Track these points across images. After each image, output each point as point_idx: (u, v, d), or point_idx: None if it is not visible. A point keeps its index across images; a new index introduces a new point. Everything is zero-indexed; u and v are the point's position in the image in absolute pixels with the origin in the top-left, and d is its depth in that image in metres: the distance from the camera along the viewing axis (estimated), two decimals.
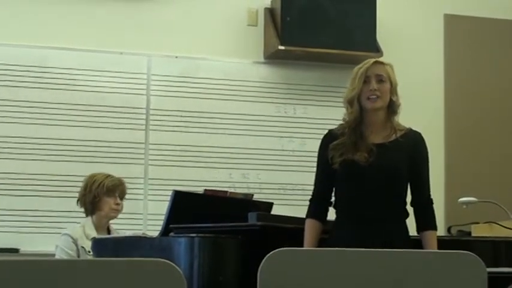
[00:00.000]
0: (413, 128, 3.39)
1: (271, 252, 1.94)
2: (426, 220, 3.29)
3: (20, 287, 1.74)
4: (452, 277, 2.04)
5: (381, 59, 3.45)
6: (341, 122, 3.37)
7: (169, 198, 3.49)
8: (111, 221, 4.32)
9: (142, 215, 5.20)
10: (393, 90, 3.31)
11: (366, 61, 3.35)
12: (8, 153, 5.07)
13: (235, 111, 5.48)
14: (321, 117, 5.50)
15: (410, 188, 3.33)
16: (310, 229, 3.27)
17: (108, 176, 4.32)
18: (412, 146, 3.31)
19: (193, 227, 3.22)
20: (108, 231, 4.27)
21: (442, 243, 3.27)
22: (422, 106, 5.59)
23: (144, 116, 5.34)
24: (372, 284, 1.99)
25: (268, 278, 1.91)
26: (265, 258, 1.92)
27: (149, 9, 5.45)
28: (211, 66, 5.48)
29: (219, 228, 3.23)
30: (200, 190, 3.76)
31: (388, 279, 2.01)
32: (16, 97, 5.12)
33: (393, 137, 3.30)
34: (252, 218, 3.28)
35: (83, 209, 4.28)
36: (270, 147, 5.50)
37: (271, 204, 3.85)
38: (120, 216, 4.35)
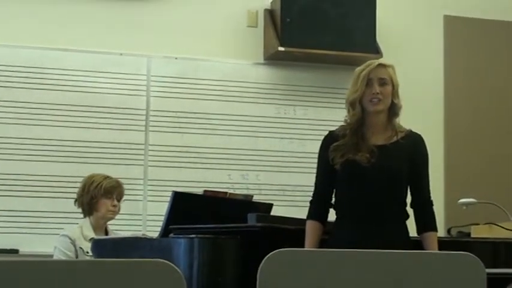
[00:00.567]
0: (413, 129, 3.39)
1: (270, 253, 1.93)
2: (426, 221, 3.29)
3: None
4: (451, 278, 2.04)
5: (384, 62, 3.45)
6: (342, 123, 3.37)
7: (168, 199, 3.49)
8: (109, 222, 4.32)
9: (142, 216, 5.20)
10: (395, 92, 3.31)
11: (368, 63, 3.35)
12: (7, 154, 5.07)
13: (235, 112, 5.48)
14: (320, 118, 5.51)
15: (411, 190, 3.34)
16: (311, 230, 3.26)
17: (107, 177, 4.32)
18: (413, 147, 3.32)
19: (192, 228, 3.22)
20: (106, 232, 4.27)
21: (442, 244, 3.27)
22: (422, 107, 5.59)
23: (143, 117, 5.34)
24: (371, 284, 1.99)
25: (267, 278, 1.91)
26: (264, 259, 1.92)
27: (149, 10, 5.45)
28: (211, 67, 5.49)
29: (219, 229, 3.23)
30: (200, 191, 3.76)
31: (387, 280, 2.01)
32: (15, 98, 5.12)
33: (394, 139, 3.31)
34: (252, 219, 3.28)
35: (80, 210, 4.27)
36: (270, 148, 5.51)
37: (271, 205, 3.85)
38: (119, 217, 4.34)
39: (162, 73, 5.41)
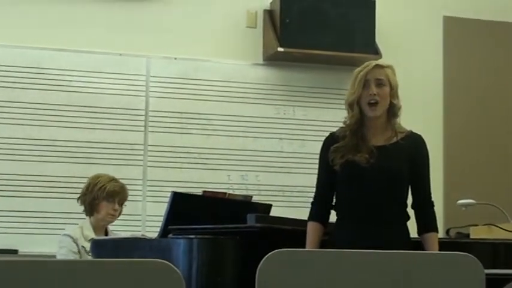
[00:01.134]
0: (413, 130, 3.39)
1: (269, 254, 1.94)
2: (427, 222, 3.29)
3: None
4: (450, 278, 2.05)
5: (380, 61, 3.45)
6: (341, 125, 3.37)
7: (168, 199, 3.49)
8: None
9: (141, 216, 5.20)
10: (394, 93, 3.31)
11: (366, 64, 3.34)
12: (6, 154, 5.07)
13: (235, 112, 5.48)
14: (320, 119, 5.51)
15: (411, 190, 3.33)
16: (312, 231, 3.27)
17: (112, 180, 4.29)
18: (413, 148, 3.32)
19: (192, 229, 3.23)
20: (106, 234, 4.26)
21: (441, 245, 3.27)
22: (421, 108, 5.59)
23: (142, 118, 5.34)
24: (370, 285, 2.00)
25: (266, 279, 1.91)
26: (263, 260, 1.92)
27: (148, 11, 5.45)
28: (211, 68, 5.49)
29: (218, 229, 3.23)
30: (199, 191, 3.76)
31: (386, 280, 2.01)
32: (14, 98, 5.12)
33: (394, 140, 3.31)
34: (251, 220, 3.28)
35: (82, 208, 4.27)
36: (269, 148, 5.51)
37: (270, 205, 3.86)
38: (119, 217, 4.34)
39: (162, 73, 5.41)
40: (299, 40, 5.40)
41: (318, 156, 3.41)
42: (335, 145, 3.30)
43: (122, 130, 5.27)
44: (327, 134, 3.43)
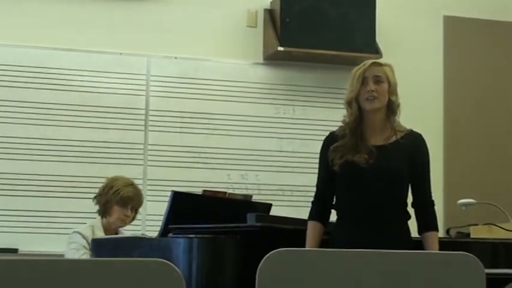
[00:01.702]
0: (412, 129, 3.39)
1: (270, 253, 1.94)
2: (427, 221, 3.29)
3: (19, 287, 1.74)
4: (450, 278, 2.04)
5: (380, 60, 3.45)
6: (341, 124, 3.37)
7: (168, 198, 3.49)
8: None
9: (141, 216, 5.18)
10: (392, 90, 3.30)
11: (364, 62, 3.35)
12: (7, 153, 5.07)
13: (235, 112, 5.48)
14: (320, 118, 5.51)
15: (411, 190, 3.33)
16: (312, 231, 3.26)
17: (129, 184, 4.26)
18: (413, 147, 3.31)
19: (192, 228, 3.23)
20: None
21: (441, 244, 3.26)
22: (421, 108, 5.59)
23: (143, 117, 5.34)
24: (370, 285, 1.99)
25: (266, 278, 1.91)
26: (264, 259, 1.92)
27: (149, 10, 5.45)
28: (211, 67, 5.49)
29: (218, 229, 3.23)
30: (199, 191, 3.76)
31: (386, 280, 2.01)
32: (15, 97, 5.13)
33: (393, 139, 3.30)
34: (251, 219, 3.28)
35: (97, 207, 4.26)
36: (269, 148, 5.51)
37: (270, 205, 3.86)
38: (131, 222, 4.33)
39: (162, 73, 5.41)
40: (299, 39, 5.40)
41: (318, 156, 3.41)
42: (334, 145, 3.30)
43: (122, 129, 5.27)
44: (327, 133, 3.43)
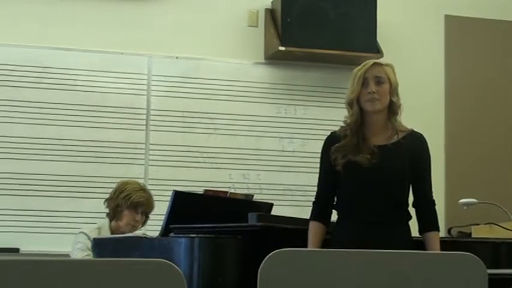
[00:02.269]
0: (414, 129, 3.39)
1: (271, 253, 1.94)
2: (428, 221, 3.28)
3: (20, 287, 1.74)
4: (452, 278, 2.04)
5: (381, 60, 3.44)
6: (342, 124, 3.37)
7: (169, 198, 3.49)
8: None
9: None
10: (393, 90, 3.30)
11: (365, 62, 3.34)
12: (9, 153, 5.07)
13: (236, 111, 5.48)
14: (321, 117, 5.51)
15: (412, 189, 3.32)
16: (314, 231, 3.26)
17: (140, 189, 4.26)
18: (414, 147, 3.31)
19: (193, 228, 3.22)
20: None
21: (443, 244, 3.26)
22: (422, 107, 5.59)
23: (144, 117, 5.34)
24: (372, 284, 1.99)
25: (268, 278, 1.91)
26: (265, 259, 1.92)
27: (150, 10, 5.45)
28: (212, 67, 5.49)
29: (219, 228, 3.22)
30: (200, 190, 3.76)
31: (388, 280, 2.00)
32: (16, 97, 5.13)
33: (395, 139, 3.30)
34: (252, 219, 3.28)
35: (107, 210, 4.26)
36: (270, 147, 5.51)
37: (272, 204, 3.85)
38: (142, 227, 4.33)
39: (163, 72, 5.41)
40: (300, 39, 5.40)
41: (319, 155, 3.41)
42: (336, 145, 3.30)
43: (124, 129, 5.27)
44: (329, 133, 3.42)
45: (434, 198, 3.33)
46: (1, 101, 5.11)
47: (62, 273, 1.78)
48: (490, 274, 2.07)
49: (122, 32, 5.38)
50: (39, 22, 5.25)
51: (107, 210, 4.25)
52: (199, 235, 3.11)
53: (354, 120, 3.29)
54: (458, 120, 5.88)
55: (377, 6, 5.53)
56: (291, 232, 3.29)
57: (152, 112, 5.35)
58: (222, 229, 3.21)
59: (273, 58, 5.56)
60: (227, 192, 3.87)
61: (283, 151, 5.53)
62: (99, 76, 5.28)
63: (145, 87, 5.36)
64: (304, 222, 3.32)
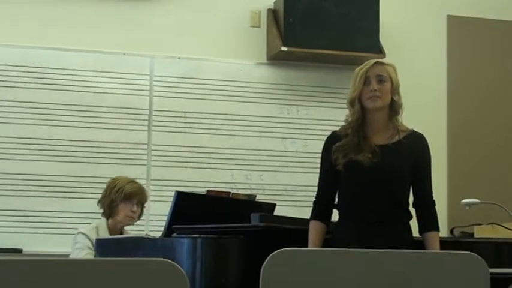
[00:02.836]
0: (416, 129, 3.39)
1: (273, 253, 1.94)
2: (428, 221, 3.28)
3: (22, 287, 1.74)
4: (454, 278, 2.04)
5: (383, 60, 3.44)
6: (343, 123, 3.37)
7: (171, 198, 3.49)
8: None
9: (145, 216, 5.18)
10: (394, 90, 3.30)
11: (366, 62, 3.35)
12: (9, 153, 5.08)
13: (238, 112, 5.48)
14: (323, 118, 5.51)
15: (413, 189, 3.33)
16: (315, 231, 3.26)
17: (130, 181, 4.29)
18: (415, 147, 3.31)
19: (195, 228, 3.22)
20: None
21: (445, 244, 3.26)
22: (425, 107, 5.59)
23: (146, 117, 5.34)
24: (373, 284, 2.00)
25: (270, 278, 1.92)
26: (267, 259, 1.93)
27: (152, 10, 5.46)
28: (214, 67, 5.49)
29: (222, 229, 3.23)
30: (203, 191, 3.76)
31: (390, 279, 2.01)
32: (17, 98, 5.13)
33: (396, 138, 3.30)
34: (255, 219, 3.28)
35: (102, 210, 4.27)
36: (273, 148, 5.51)
37: (274, 205, 3.85)
38: (139, 219, 4.34)
39: (165, 73, 5.41)
40: (303, 39, 5.40)
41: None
42: (337, 144, 3.30)
43: (126, 129, 5.28)
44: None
45: (434, 198, 3.34)
46: (1, 102, 5.12)
47: (64, 273, 1.78)
48: (491, 273, 2.07)
49: (124, 32, 5.39)
50: (39, 22, 5.26)
51: (102, 211, 4.26)
52: (202, 235, 3.11)
53: (355, 119, 3.29)
54: (461, 120, 5.88)
55: (379, 6, 5.53)
56: (294, 232, 3.29)
57: (154, 112, 5.35)
58: (225, 229, 3.22)
59: (275, 58, 5.56)
60: (230, 192, 3.87)
61: (285, 151, 5.53)
62: (101, 77, 5.28)
63: (147, 87, 5.37)
64: (307, 222, 3.32)
